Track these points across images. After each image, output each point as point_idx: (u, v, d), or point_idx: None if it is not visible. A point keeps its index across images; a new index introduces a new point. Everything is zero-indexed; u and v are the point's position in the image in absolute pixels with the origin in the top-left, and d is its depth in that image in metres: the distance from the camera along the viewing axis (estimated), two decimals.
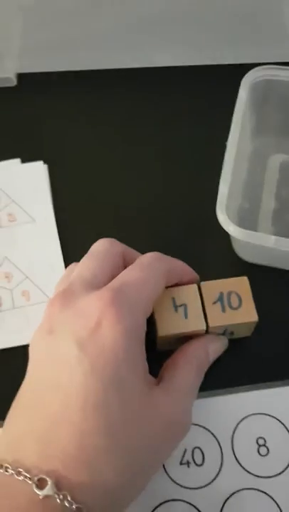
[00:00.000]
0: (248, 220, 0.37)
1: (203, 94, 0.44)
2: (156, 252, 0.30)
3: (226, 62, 0.45)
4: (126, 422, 0.25)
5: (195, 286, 0.31)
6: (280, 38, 0.43)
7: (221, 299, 0.31)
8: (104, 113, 0.44)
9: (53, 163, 0.41)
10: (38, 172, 0.40)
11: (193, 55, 0.45)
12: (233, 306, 0.31)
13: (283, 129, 0.40)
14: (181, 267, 0.32)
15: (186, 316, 0.30)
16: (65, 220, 0.39)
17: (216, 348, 0.31)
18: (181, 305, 0.31)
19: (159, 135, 0.42)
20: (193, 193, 0.39)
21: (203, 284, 0.32)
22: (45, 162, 0.41)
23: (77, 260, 0.31)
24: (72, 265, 0.32)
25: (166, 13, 0.42)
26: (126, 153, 0.42)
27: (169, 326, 0.30)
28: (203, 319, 0.31)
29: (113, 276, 0.29)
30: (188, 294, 0.31)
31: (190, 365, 0.30)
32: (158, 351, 0.31)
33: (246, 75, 0.36)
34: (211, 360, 0.31)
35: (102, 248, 0.31)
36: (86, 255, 0.31)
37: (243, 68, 0.37)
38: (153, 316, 0.30)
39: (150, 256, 0.30)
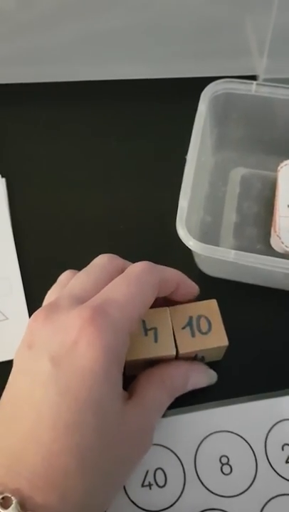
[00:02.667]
0: (210, 233, 0.37)
1: (164, 107, 0.44)
2: (147, 263, 0.29)
3: (187, 76, 0.44)
4: (99, 444, 0.24)
5: (167, 309, 0.31)
6: (241, 52, 0.44)
7: (190, 323, 0.30)
8: (64, 126, 0.43)
9: (11, 177, 0.40)
10: None
11: (154, 69, 0.45)
12: (203, 331, 0.30)
13: (244, 143, 0.40)
14: (175, 277, 0.30)
15: (156, 340, 0.30)
16: (23, 236, 0.38)
17: (198, 380, 0.31)
18: (151, 328, 0.30)
19: (120, 149, 0.42)
20: (156, 208, 0.39)
21: (171, 308, 0.31)
22: (2, 176, 0.40)
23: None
24: (68, 272, 0.31)
25: (127, 26, 0.42)
26: (86, 167, 0.41)
27: (138, 349, 0.29)
28: (174, 344, 0.30)
29: None
30: (160, 317, 0.30)
31: (164, 387, 0.29)
32: None
33: (206, 88, 0.36)
34: (187, 390, 0.30)
35: (99, 263, 0.30)
36: (83, 269, 0.30)
37: (205, 81, 0.37)
38: None
39: (140, 268, 0.28)
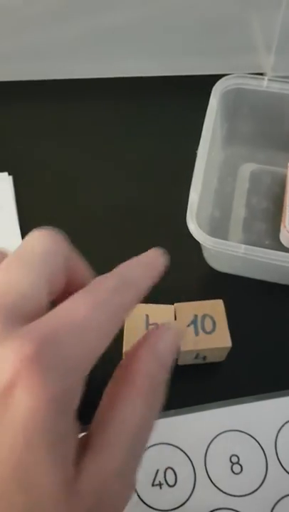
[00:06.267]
0: (219, 228, 0.36)
1: (172, 104, 0.44)
2: (119, 274, 0.20)
3: (193, 73, 0.44)
4: None
5: (172, 307, 0.30)
6: (248, 50, 0.43)
7: (194, 322, 0.30)
8: (71, 123, 0.43)
9: (19, 175, 0.40)
10: (2, 183, 0.39)
11: (160, 66, 0.45)
12: (207, 330, 0.30)
13: (254, 138, 0.39)
14: (150, 281, 0.21)
15: None
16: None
17: (166, 345, 0.21)
18: (153, 324, 0.30)
19: (127, 145, 0.42)
20: (164, 203, 0.38)
21: (177, 305, 0.31)
22: (9, 174, 0.40)
23: None
24: None
25: (136, 23, 0.41)
26: (93, 164, 0.41)
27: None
28: None
29: (51, 293, 0.20)
30: (164, 314, 0.30)
31: (136, 391, 0.20)
32: None
33: (217, 83, 0.36)
34: (168, 365, 0.21)
35: (38, 248, 0.21)
36: (14, 256, 0.20)
37: (212, 79, 0.37)
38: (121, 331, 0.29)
39: (109, 284, 0.20)
